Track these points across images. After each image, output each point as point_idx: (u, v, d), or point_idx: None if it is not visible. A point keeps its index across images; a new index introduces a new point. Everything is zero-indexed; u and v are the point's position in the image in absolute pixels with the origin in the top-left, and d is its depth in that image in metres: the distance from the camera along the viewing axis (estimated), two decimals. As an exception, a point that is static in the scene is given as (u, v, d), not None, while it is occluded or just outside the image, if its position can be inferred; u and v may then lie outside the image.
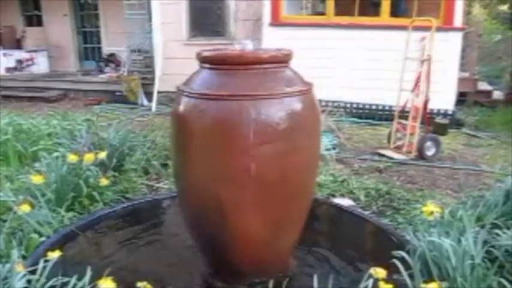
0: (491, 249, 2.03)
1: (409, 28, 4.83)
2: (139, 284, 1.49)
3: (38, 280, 1.58)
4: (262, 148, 1.78)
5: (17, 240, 2.37)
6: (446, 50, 5.77)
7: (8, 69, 9.25)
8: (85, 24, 9.84)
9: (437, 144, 4.74)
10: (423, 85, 4.66)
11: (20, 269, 1.62)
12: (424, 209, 1.93)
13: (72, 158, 2.95)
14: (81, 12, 9.78)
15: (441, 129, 5.52)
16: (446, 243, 1.71)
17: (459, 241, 1.78)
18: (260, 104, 1.78)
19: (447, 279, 1.72)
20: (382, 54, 6.11)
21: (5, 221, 2.52)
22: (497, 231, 2.17)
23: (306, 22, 6.87)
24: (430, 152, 4.69)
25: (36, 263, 1.80)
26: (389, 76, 5.51)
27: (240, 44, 1.95)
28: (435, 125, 5.44)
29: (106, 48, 9.35)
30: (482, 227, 2.31)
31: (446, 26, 5.93)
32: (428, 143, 4.70)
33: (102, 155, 3.22)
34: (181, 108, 1.89)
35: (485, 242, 2.05)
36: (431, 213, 1.89)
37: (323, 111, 4.79)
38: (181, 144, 1.94)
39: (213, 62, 1.89)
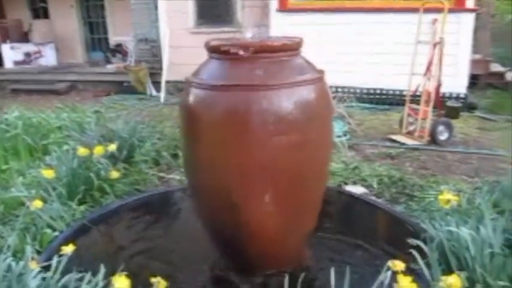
0: (510, 236, 1.98)
1: (420, 10, 4.72)
2: (152, 279, 1.47)
3: (52, 277, 1.57)
4: (274, 139, 1.75)
5: (31, 235, 2.38)
6: (458, 32, 5.66)
7: (17, 63, 9.27)
8: (91, 14, 9.79)
9: (450, 128, 4.67)
10: (435, 69, 4.57)
11: (34, 266, 1.61)
12: (440, 197, 1.89)
13: (82, 151, 2.94)
14: (86, 2, 9.73)
15: (453, 113, 5.45)
16: (465, 232, 1.67)
17: (477, 229, 1.74)
18: (271, 94, 1.74)
19: (466, 269, 1.68)
20: (393, 38, 6.00)
21: (17, 216, 2.53)
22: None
23: (314, 7, 6.74)
24: (442, 137, 4.62)
25: (51, 258, 1.80)
26: (400, 60, 5.42)
27: (250, 32, 1.91)
28: (447, 108, 5.37)
29: (113, 39, 9.31)
30: (499, 213, 2.27)
31: (458, 7, 5.79)
32: (441, 128, 4.63)
33: (112, 147, 3.21)
34: (191, 99, 1.86)
35: (504, 230, 2.02)
36: (448, 201, 1.85)
37: (333, 97, 4.74)
38: (191, 137, 1.91)
39: (222, 52, 1.85)
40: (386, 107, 6.31)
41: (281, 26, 6.33)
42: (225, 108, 1.76)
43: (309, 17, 6.37)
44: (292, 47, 1.87)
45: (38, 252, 2.24)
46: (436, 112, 4.78)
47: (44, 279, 1.56)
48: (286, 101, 1.76)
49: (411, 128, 4.88)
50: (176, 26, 7.38)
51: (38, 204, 2.27)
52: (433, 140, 4.61)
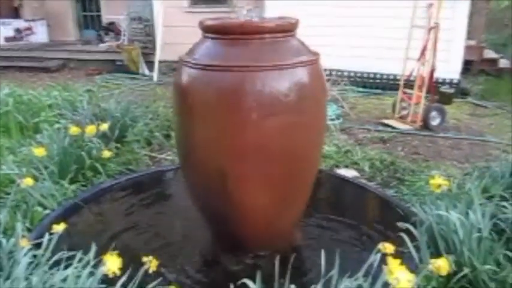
0: (498, 221, 2.01)
1: (416, -6, 4.69)
2: (144, 258, 1.48)
3: (43, 254, 1.57)
4: (267, 121, 1.74)
5: (22, 213, 2.37)
6: (453, 17, 5.63)
7: (7, 39, 9.09)
8: (83, -9, 9.60)
9: (442, 114, 4.69)
10: (429, 54, 4.55)
11: (25, 243, 1.61)
12: (431, 181, 1.91)
13: (74, 130, 2.92)
14: (78, -22, 9.53)
15: (446, 99, 5.47)
16: (454, 216, 1.69)
17: (467, 214, 1.76)
18: (265, 75, 1.74)
19: (454, 253, 1.71)
20: (388, 22, 5.96)
21: (8, 193, 2.51)
22: (504, 203, 2.16)
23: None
24: (435, 122, 4.64)
25: (41, 236, 1.80)
26: (394, 44, 5.39)
27: (245, 12, 1.88)
28: (440, 94, 5.40)
29: (105, 17, 9.14)
30: (488, 198, 2.30)
31: (454, -8, 5.75)
32: (433, 113, 4.64)
33: (104, 126, 3.20)
34: (184, 79, 1.85)
35: (492, 215, 2.05)
36: (439, 186, 1.87)
37: (327, 80, 4.72)
38: (184, 116, 1.90)
39: (217, 32, 1.83)
40: (380, 91, 6.31)
41: (276, 7, 6.24)
42: (218, 88, 1.75)
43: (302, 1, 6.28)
44: (287, 28, 1.85)
45: (29, 230, 2.24)
46: (429, 97, 4.80)
47: (34, 256, 1.56)
48: (280, 82, 1.75)
49: (404, 112, 4.89)
50: (170, 5, 7.27)
51: (29, 181, 2.26)
52: (426, 125, 4.62)
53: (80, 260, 1.53)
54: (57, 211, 2.43)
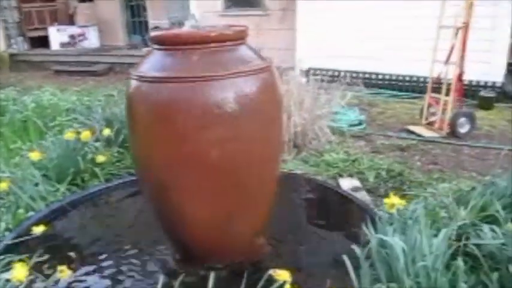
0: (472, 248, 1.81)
1: (446, -8, 4.37)
2: (59, 267, 1.49)
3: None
4: (203, 133, 1.70)
5: (9, 214, 2.49)
6: (495, 15, 5.20)
7: (63, 45, 9.70)
8: (132, -3, 10.00)
9: (472, 120, 4.34)
10: (457, 55, 4.23)
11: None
12: (386, 200, 1.75)
13: (69, 135, 3.03)
14: (128, -15, 9.93)
15: (486, 103, 5.12)
16: (397, 241, 1.54)
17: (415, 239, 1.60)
18: (201, 86, 1.69)
19: (396, 281, 1.55)
20: (423, 22, 5.61)
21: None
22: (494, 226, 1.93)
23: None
24: (463, 129, 4.31)
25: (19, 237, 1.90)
26: (431, 45, 5.06)
27: (190, 22, 1.85)
28: (479, 98, 5.06)
29: (151, 22, 9.47)
30: (484, 218, 2.09)
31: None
32: (462, 119, 4.31)
33: (107, 131, 3.28)
34: (129, 92, 1.86)
35: (467, 239, 1.86)
36: (392, 205, 1.71)
37: (349, 83, 4.53)
38: (130, 130, 1.90)
39: (159, 43, 1.81)
40: (416, 94, 5.96)
41: (307, 11, 6.11)
42: (154, 101, 1.73)
43: (334, 2, 6.08)
44: (231, 37, 1.79)
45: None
46: (462, 102, 4.47)
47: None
48: (218, 93, 1.69)
49: (433, 118, 4.59)
50: (205, 9, 7.38)
51: (3, 185, 2.38)
52: (453, 132, 4.31)
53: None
54: (40, 213, 2.52)
